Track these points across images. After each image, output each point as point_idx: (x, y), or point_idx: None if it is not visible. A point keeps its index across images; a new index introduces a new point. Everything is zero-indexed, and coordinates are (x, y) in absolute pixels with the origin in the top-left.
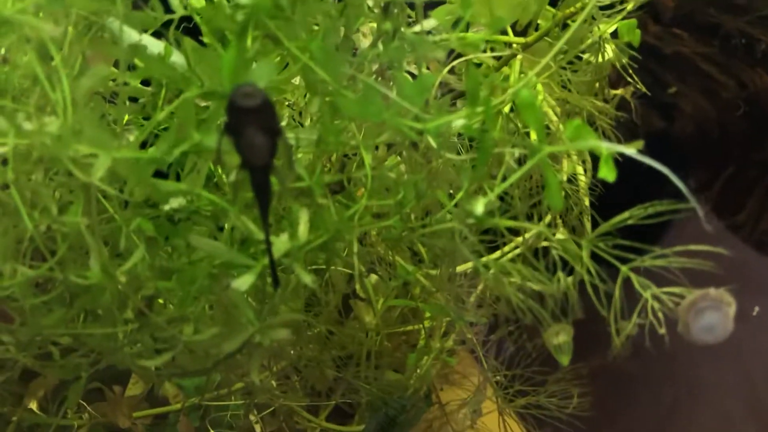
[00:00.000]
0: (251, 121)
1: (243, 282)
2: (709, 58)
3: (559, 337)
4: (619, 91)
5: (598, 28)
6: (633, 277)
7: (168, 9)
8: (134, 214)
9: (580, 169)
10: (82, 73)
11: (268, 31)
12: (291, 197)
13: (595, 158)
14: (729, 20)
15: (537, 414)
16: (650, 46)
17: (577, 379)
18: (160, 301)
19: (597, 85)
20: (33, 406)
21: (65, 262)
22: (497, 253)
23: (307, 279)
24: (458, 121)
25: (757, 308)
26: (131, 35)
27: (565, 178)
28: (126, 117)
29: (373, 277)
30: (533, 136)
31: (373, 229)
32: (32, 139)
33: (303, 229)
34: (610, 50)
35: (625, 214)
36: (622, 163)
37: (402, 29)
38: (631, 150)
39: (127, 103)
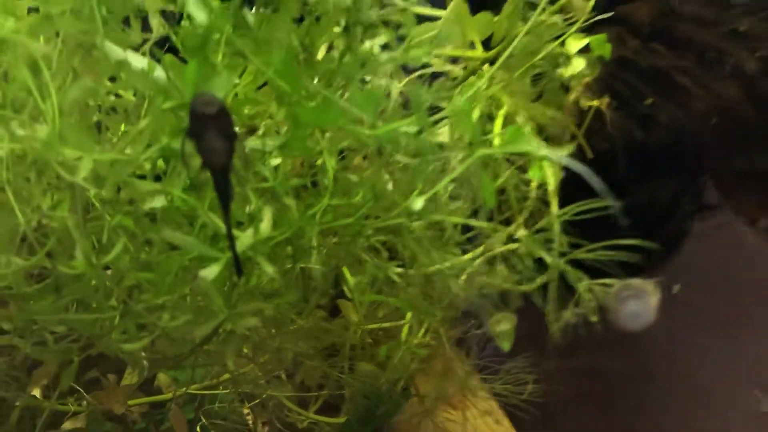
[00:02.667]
0: (210, 127)
1: (210, 272)
2: (683, 71)
3: (501, 325)
4: (594, 103)
5: (561, 44)
6: (568, 269)
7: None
8: (116, 211)
9: (550, 174)
10: (70, 87)
11: (235, 49)
12: (257, 196)
13: None
14: (702, 35)
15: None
16: (628, 60)
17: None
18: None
19: (573, 96)
20: (36, 393)
21: (54, 254)
22: (469, 255)
23: (269, 270)
24: (409, 128)
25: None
26: (117, 53)
27: (534, 184)
28: (122, 126)
29: (353, 277)
30: (497, 140)
31: (333, 226)
32: (25, 144)
33: (266, 224)
34: (579, 64)
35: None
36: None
37: (355, 46)
38: (560, 155)
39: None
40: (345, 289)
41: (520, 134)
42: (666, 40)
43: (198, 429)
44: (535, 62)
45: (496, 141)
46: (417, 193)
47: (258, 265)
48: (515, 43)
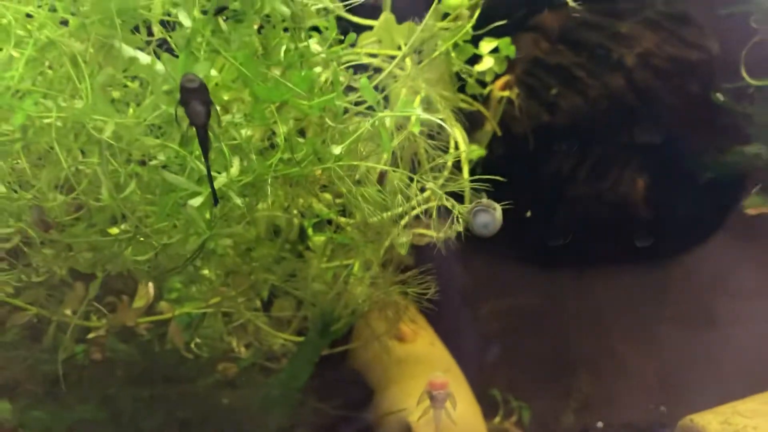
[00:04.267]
0: (193, 97)
1: (195, 201)
2: (580, 66)
3: (401, 238)
4: (505, 93)
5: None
6: (443, 196)
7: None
8: (130, 161)
9: (462, 142)
10: (98, 74)
11: (213, 47)
12: (230, 152)
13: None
14: (593, 37)
15: None
16: (540, 59)
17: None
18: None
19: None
20: (68, 311)
21: (87, 191)
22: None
23: (238, 201)
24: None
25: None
26: (129, 51)
27: (451, 155)
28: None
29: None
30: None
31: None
32: (67, 112)
33: (235, 169)
34: (489, 62)
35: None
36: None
37: (297, 44)
38: (434, 119)
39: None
40: (309, 244)
41: (407, 103)
42: (569, 42)
43: (193, 346)
44: (431, 56)
45: (413, 119)
46: (338, 144)
47: (230, 199)
48: (414, 37)
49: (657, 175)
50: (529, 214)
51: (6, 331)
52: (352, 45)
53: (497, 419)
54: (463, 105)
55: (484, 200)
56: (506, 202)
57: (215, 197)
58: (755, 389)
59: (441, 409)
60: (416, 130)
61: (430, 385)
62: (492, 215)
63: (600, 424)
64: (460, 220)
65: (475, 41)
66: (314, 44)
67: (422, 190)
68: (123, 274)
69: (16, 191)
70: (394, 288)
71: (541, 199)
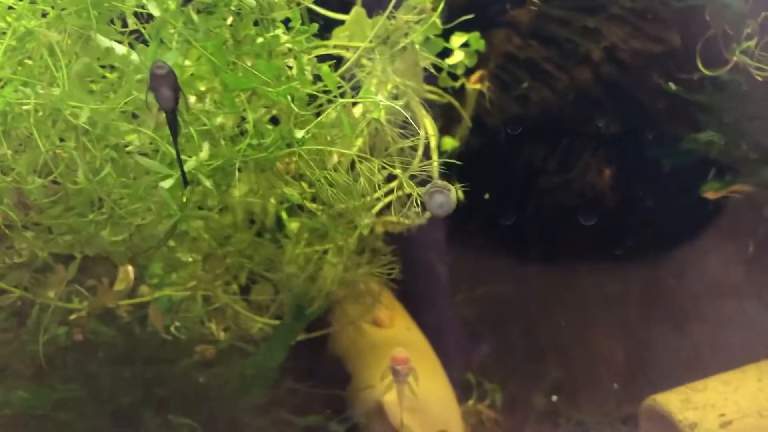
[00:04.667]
0: (162, 83)
1: (166, 183)
2: (549, 60)
3: (365, 219)
4: (477, 86)
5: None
6: (407, 181)
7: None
8: (105, 145)
9: (431, 130)
10: (74, 63)
11: (184, 37)
12: (200, 137)
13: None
14: (562, 32)
15: None
16: (512, 54)
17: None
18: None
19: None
20: (51, 294)
21: (64, 175)
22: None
23: (207, 183)
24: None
25: None
26: (105, 42)
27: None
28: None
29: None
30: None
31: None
32: (45, 99)
33: (204, 153)
34: (459, 55)
35: None
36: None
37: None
38: (396, 106)
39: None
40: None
41: (368, 92)
42: (539, 37)
43: (173, 329)
44: (400, 47)
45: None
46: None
47: (200, 182)
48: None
49: (622, 164)
50: (486, 196)
51: None
52: (321, 38)
53: (471, 402)
54: (433, 96)
55: (439, 182)
56: (463, 184)
57: (185, 179)
58: (721, 371)
59: (404, 384)
60: (377, 116)
61: (393, 360)
62: (447, 195)
63: (554, 398)
64: (419, 202)
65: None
66: (282, 35)
67: (392, 179)
68: (103, 258)
69: None
70: (365, 272)
71: (512, 188)
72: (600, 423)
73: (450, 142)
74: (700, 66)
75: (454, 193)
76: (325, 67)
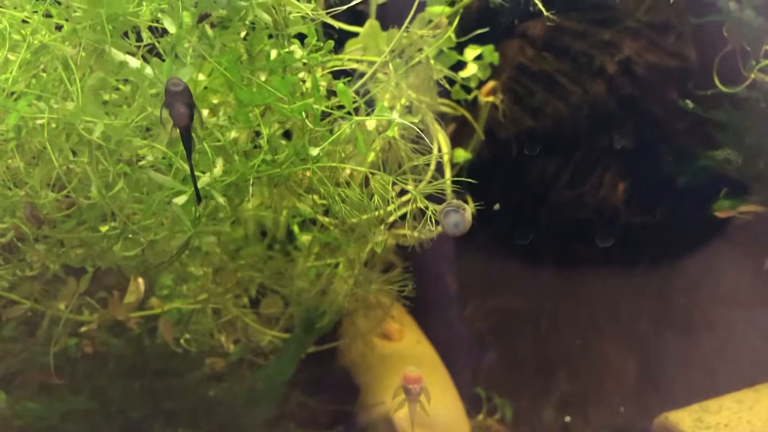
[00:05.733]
0: (177, 99)
1: (180, 199)
2: (563, 73)
3: (377, 237)
4: (490, 98)
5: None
6: (420, 198)
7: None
8: (118, 160)
9: (444, 145)
10: (88, 77)
11: (199, 52)
12: (213, 153)
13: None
14: (576, 44)
15: None
16: (525, 66)
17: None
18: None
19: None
20: (62, 306)
21: (77, 189)
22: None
23: (221, 200)
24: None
25: None
26: (119, 56)
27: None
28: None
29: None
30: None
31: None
32: (59, 114)
33: (218, 169)
34: (473, 68)
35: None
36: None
37: (280, 50)
38: (409, 123)
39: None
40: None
41: (383, 109)
42: (553, 49)
43: (183, 342)
44: (414, 62)
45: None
46: (316, 146)
47: (214, 197)
48: (395, 39)
49: (636, 179)
50: (497, 207)
51: (3, 325)
52: (334, 51)
53: (481, 416)
54: (447, 110)
55: (454, 201)
56: (478, 203)
57: (198, 195)
58: (732, 389)
59: (416, 403)
60: (391, 134)
61: (405, 379)
62: (462, 215)
63: (567, 419)
64: (434, 220)
65: (464, 48)
66: (297, 50)
67: (404, 192)
68: (114, 270)
69: (10, 189)
70: (376, 286)
71: (525, 201)
72: None
73: (462, 154)
74: (717, 82)
75: (469, 212)
76: (340, 85)
